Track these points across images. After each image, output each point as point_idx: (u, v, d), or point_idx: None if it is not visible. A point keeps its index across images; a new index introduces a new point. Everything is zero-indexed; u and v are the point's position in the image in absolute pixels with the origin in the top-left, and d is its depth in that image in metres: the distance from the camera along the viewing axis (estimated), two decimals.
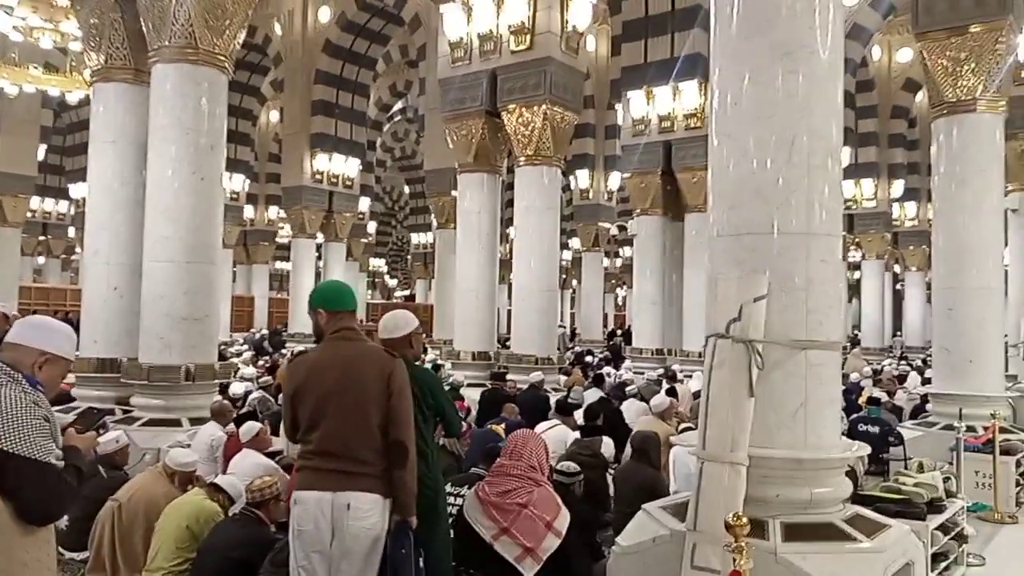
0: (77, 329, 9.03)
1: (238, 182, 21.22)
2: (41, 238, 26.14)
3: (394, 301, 31.74)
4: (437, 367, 12.44)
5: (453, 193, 13.34)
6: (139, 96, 7.51)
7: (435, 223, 17.46)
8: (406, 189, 32.56)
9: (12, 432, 2.00)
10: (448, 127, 11.41)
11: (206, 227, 7.14)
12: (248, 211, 23.83)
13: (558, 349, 19.57)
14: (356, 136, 19.17)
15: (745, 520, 2.67)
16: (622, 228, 21.85)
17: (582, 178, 20.29)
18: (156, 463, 4.93)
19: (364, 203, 22.78)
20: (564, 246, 29.96)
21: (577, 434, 6.56)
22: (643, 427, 6.80)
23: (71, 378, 7.64)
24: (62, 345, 2.27)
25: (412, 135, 28.77)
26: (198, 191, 7.04)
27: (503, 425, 6.98)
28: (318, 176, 18.47)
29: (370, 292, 32.84)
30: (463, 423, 6.18)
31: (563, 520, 2.85)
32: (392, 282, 41.91)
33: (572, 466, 4.72)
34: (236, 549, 3.82)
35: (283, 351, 16.55)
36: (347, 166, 18.93)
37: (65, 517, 2.54)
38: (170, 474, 4.70)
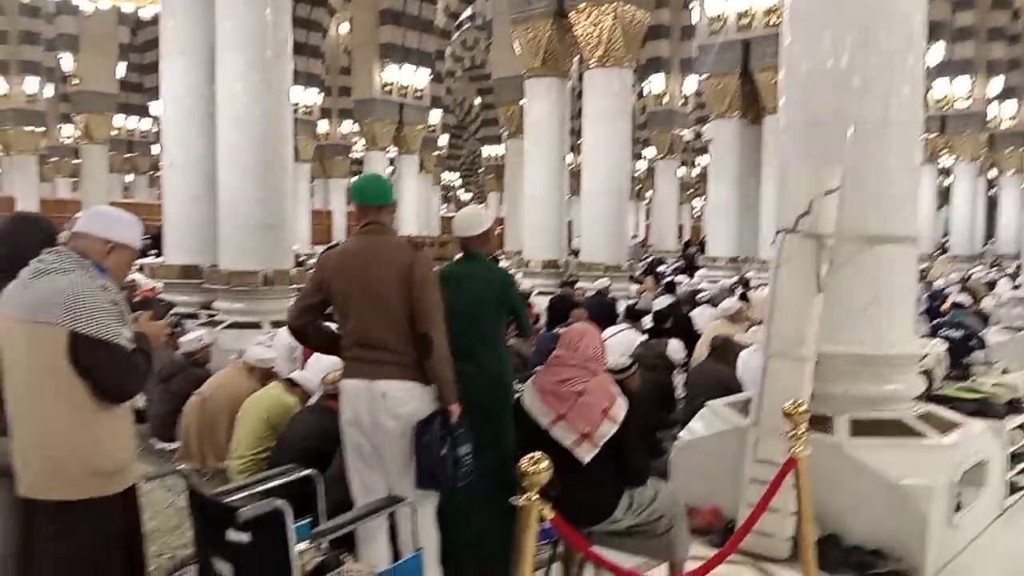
0: (159, 241, 9.44)
1: (311, 96, 21.31)
2: (128, 155, 26.99)
3: None
4: None
5: (522, 102, 13.14)
6: (206, 6, 7.52)
7: (505, 133, 17.29)
8: (476, 100, 32.24)
9: (83, 315, 2.11)
10: (515, 30, 11.15)
11: (275, 135, 7.23)
12: (323, 126, 24.01)
13: (630, 259, 19.59)
14: (425, 45, 18.93)
15: (804, 407, 2.63)
16: (698, 135, 21.18)
17: (657, 83, 19.62)
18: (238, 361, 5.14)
19: (435, 115, 22.66)
20: (638, 155, 29.34)
21: (644, 338, 6.55)
22: (712, 331, 6.74)
23: (159, 283, 8.01)
24: (127, 233, 2.35)
25: (481, 44, 28.23)
26: (266, 99, 7.11)
27: None
28: (388, 88, 18.40)
29: (444, 206, 33.03)
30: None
31: (619, 408, 2.86)
32: (466, 196, 42.03)
33: (623, 361, 4.72)
34: (310, 439, 3.97)
35: None
36: (416, 77, 18.79)
37: (136, 400, 2.64)
38: (250, 369, 4.91)
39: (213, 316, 7.35)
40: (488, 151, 29.64)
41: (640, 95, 21.49)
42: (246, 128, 7.07)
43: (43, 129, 21.57)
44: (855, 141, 3.78)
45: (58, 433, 2.14)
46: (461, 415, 2.86)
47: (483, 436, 3.20)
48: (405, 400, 2.76)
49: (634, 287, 11.46)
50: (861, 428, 3.66)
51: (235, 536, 1.98)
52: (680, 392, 5.94)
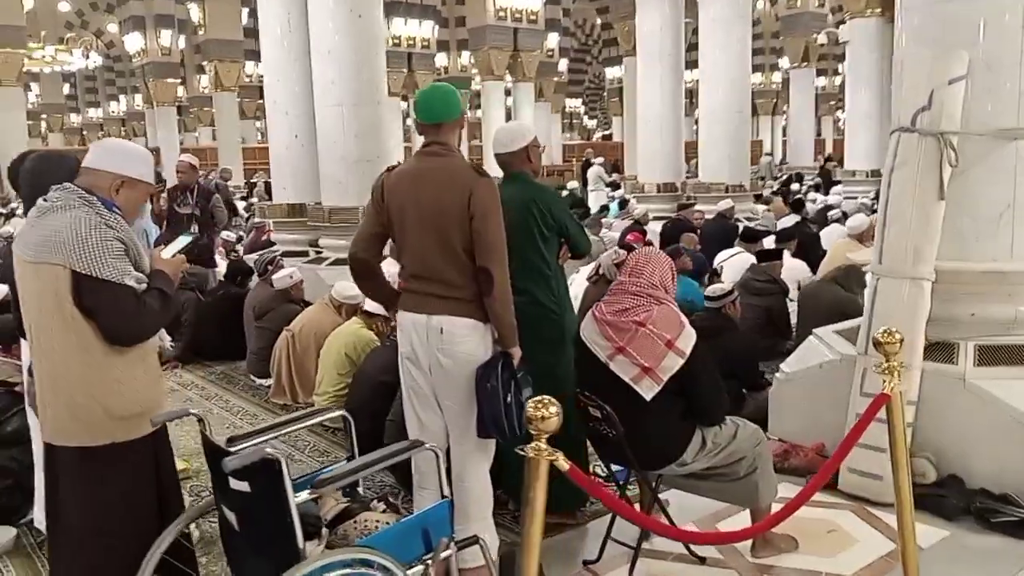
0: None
1: (427, 29, 21.12)
2: (260, 101, 27.87)
3: (593, 142, 31.07)
4: (624, 202, 12.10)
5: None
6: None
7: (623, 52, 16.53)
8: (598, 21, 31.03)
9: (84, 253, 2.01)
10: None
11: (368, 67, 7.06)
12: (441, 59, 23.84)
13: (762, 178, 18.49)
14: None
15: (898, 336, 2.22)
16: (834, 39, 19.46)
17: None
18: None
19: (552, 39, 21.99)
20: (773, 66, 27.49)
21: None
22: (838, 251, 6.17)
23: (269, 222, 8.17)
24: (138, 168, 2.23)
25: None
26: (357, 30, 6.92)
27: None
28: (501, 13, 17.92)
29: (567, 134, 32.36)
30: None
31: (687, 339, 2.53)
32: (591, 123, 41.00)
33: (721, 287, 4.32)
34: (386, 373, 3.86)
35: None
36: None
37: (162, 339, 2.55)
38: (337, 306, 4.88)
39: (320, 253, 7.42)
40: (611, 73, 28.55)
41: (773, 1, 20.00)
42: (338, 63, 6.93)
43: (178, 80, 22.57)
44: (987, 19, 3.18)
45: (72, 377, 2.08)
46: (521, 358, 2.62)
47: (540, 372, 2.97)
48: (464, 338, 2.53)
49: (761, 208, 10.76)
50: (989, 356, 3.16)
51: (236, 484, 1.85)
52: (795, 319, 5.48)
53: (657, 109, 10.32)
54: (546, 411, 1.63)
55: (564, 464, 1.68)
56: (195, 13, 19.52)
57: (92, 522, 2.11)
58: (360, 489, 2.40)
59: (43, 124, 35.63)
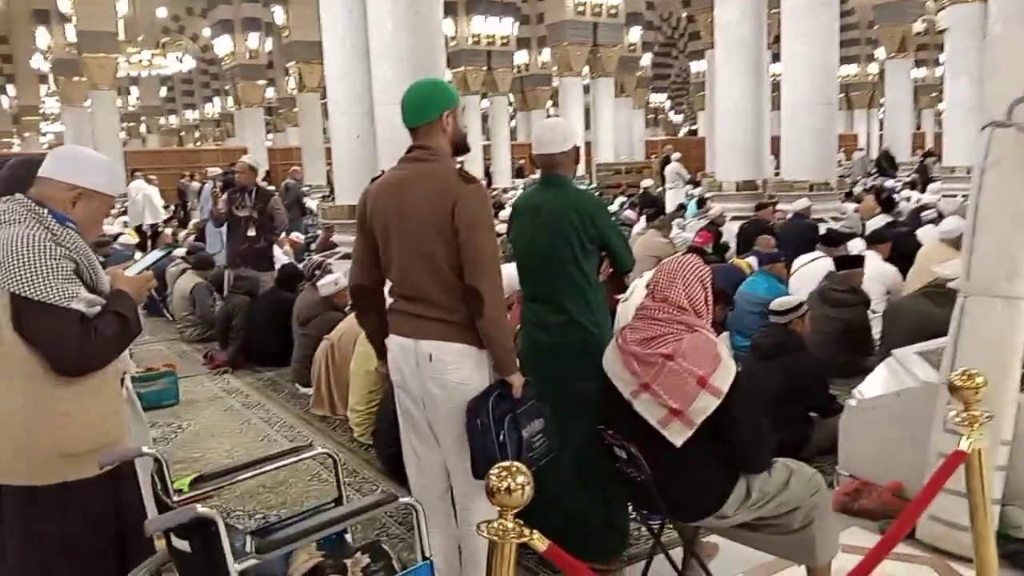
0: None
1: (506, 26, 20.92)
2: None
3: (677, 138, 30.28)
4: (702, 201, 11.57)
5: None
6: None
7: (705, 45, 15.91)
8: (683, 14, 30.19)
9: (25, 274, 1.81)
10: None
11: (427, 68, 6.83)
12: (521, 56, 23.60)
13: (855, 175, 17.49)
14: None
15: (980, 380, 1.82)
16: (931, 26, 18.29)
17: None
18: None
19: (635, 33, 21.45)
20: (869, 57, 26.17)
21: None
22: (926, 258, 5.60)
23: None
24: (96, 178, 2.02)
25: None
26: (415, 28, 6.74)
27: (750, 259, 6.15)
28: (580, 8, 17.55)
29: (651, 130, 31.64)
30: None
31: (724, 375, 2.16)
32: (677, 118, 40.00)
33: (788, 300, 3.88)
34: None
35: None
36: None
37: (126, 365, 2.35)
38: None
39: None
40: (696, 67, 27.76)
41: None
42: (396, 61, 6.78)
43: (264, 82, 23.08)
44: None
45: (16, 411, 1.87)
46: (527, 386, 2.31)
47: (573, 399, 2.66)
48: (455, 365, 2.25)
49: (851, 207, 10.07)
50: None
51: (177, 543, 1.62)
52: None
53: (736, 102, 9.77)
54: (512, 482, 1.33)
55: (540, 544, 1.37)
56: (280, 16, 19.84)
57: (38, 568, 1.92)
58: (349, 535, 2.14)
59: (143, 126, 37.15)
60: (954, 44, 11.67)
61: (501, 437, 2.16)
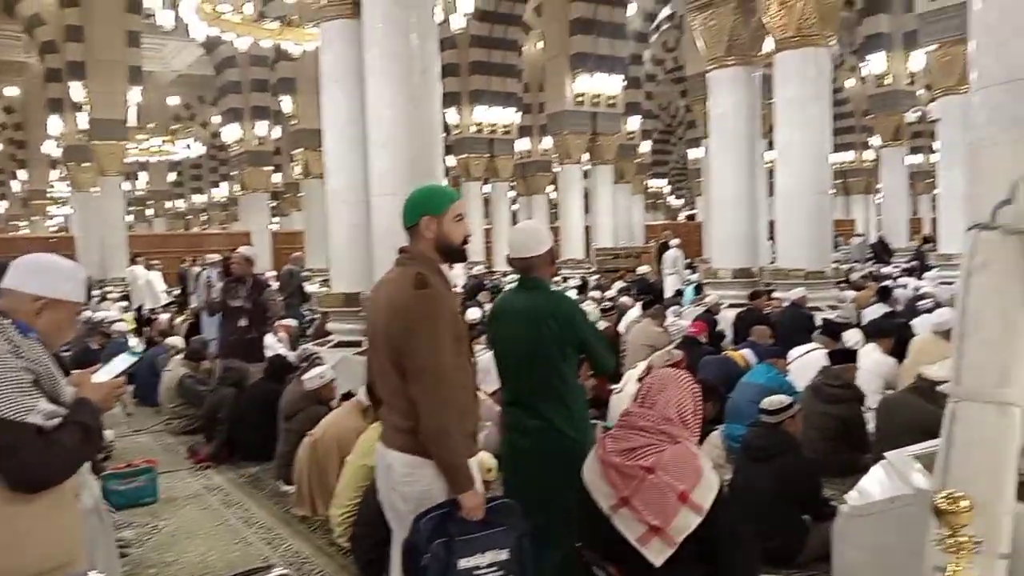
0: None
1: (508, 115, 21.40)
2: None
3: (676, 222, 30.60)
4: (699, 287, 11.57)
5: None
6: (358, 31, 7.46)
7: (701, 134, 16.23)
8: (681, 103, 30.93)
9: None
10: (695, 19, 10.25)
11: (425, 158, 6.98)
12: (523, 143, 24.08)
13: (856, 261, 17.53)
14: (617, 51, 18.32)
15: (965, 504, 1.73)
16: (921, 116, 18.64)
17: (877, 62, 17.59)
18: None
19: (634, 122, 21.91)
20: (865, 144, 26.63)
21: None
22: (920, 352, 5.53)
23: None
24: (62, 287, 2.00)
25: (683, 44, 27.02)
26: (412, 120, 6.89)
27: (745, 351, 6.08)
28: (580, 98, 17.98)
29: (650, 214, 31.95)
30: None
31: (705, 491, 2.08)
32: (677, 202, 40.54)
33: (779, 400, 3.78)
34: None
35: None
36: (609, 84, 18.19)
37: (86, 485, 2.26)
38: (363, 409, 4.57)
39: None
40: (694, 154, 28.28)
41: (862, 79, 19.46)
42: (395, 153, 6.89)
43: (271, 168, 23.55)
44: None
45: None
46: (499, 511, 2.19)
47: (551, 514, 2.56)
48: (412, 477, 2.17)
49: (848, 294, 10.05)
50: None
51: None
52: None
53: (731, 191, 9.89)
54: None
55: None
56: (288, 105, 20.37)
57: None
58: None
59: (150, 210, 37.73)
60: (946, 134, 11.89)
61: (423, 561, 2.04)
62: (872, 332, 6.55)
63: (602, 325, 8.00)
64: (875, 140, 22.51)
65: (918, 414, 4.14)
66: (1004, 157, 2.83)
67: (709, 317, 8.24)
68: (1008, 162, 2.80)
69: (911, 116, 17.89)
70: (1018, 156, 2.77)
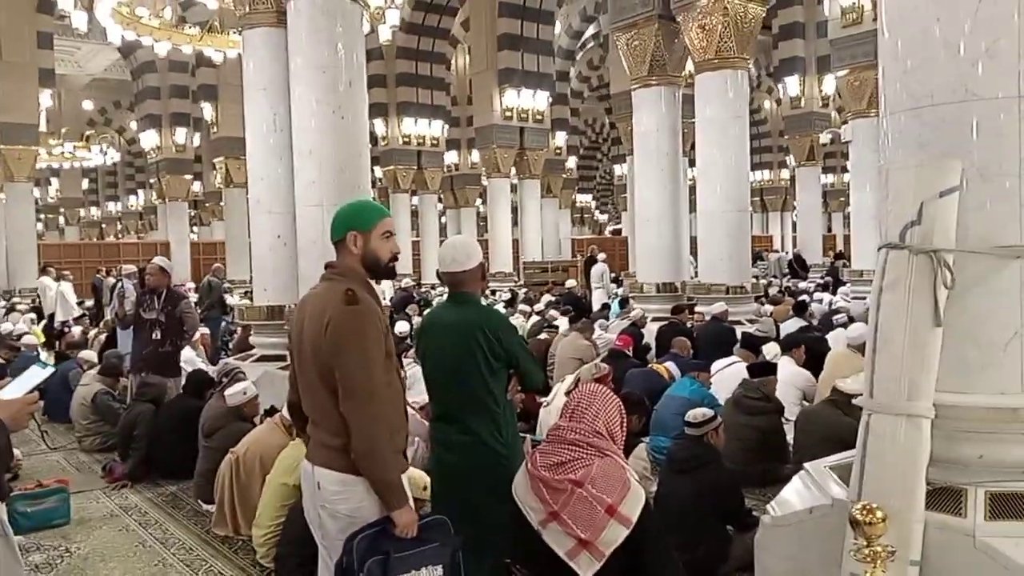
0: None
1: (436, 128, 21.39)
2: None
3: (602, 237, 31.08)
4: (624, 301, 11.76)
5: None
6: (283, 39, 7.36)
7: (626, 151, 16.54)
8: (606, 120, 31.52)
9: None
10: (619, 39, 10.47)
11: (351, 168, 6.91)
12: (452, 156, 24.10)
13: (774, 276, 18.13)
14: (544, 68, 18.52)
15: (880, 515, 1.81)
16: (833, 137, 19.45)
17: (792, 85, 18.28)
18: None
19: (561, 137, 22.19)
20: (782, 163, 27.61)
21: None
22: (834, 365, 5.74)
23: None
24: None
25: (608, 62, 27.56)
26: (338, 130, 6.81)
27: (668, 364, 6.21)
28: (508, 113, 18.10)
29: (576, 228, 32.41)
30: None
31: (633, 503, 2.12)
32: (603, 217, 41.20)
33: (702, 413, 3.88)
34: None
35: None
36: (536, 100, 18.38)
37: None
38: (287, 426, 4.46)
39: None
40: (619, 170, 28.83)
41: (778, 101, 20.18)
42: (320, 163, 6.80)
43: (191, 176, 22.94)
44: (980, 123, 2.86)
45: None
46: (432, 528, 2.17)
47: (479, 528, 2.54)
48: (341, 495, 2.13)
49: (768, 308, 10.37)
50: (1003, 507, 2.69)
51: None
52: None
53: (655, 207, 10.11)
54: None
55: None
56: (208, 112, 19.89)
57: None
58: None
59: (62, 218, 36.21)
60: (858, 155, 12.42)
61: None
62: (785, 345, 6.78)
63: (543, 337, 8.07)
64: (791, 160, 23.40)
65: (834, 426, 4.30)
66: (911, 180, 2.95)
67: (635, 330, 8.37)
68: (915, 185, 2.93)
69: (824, 137, 18.62)
70: (924, 179, 2.91)
